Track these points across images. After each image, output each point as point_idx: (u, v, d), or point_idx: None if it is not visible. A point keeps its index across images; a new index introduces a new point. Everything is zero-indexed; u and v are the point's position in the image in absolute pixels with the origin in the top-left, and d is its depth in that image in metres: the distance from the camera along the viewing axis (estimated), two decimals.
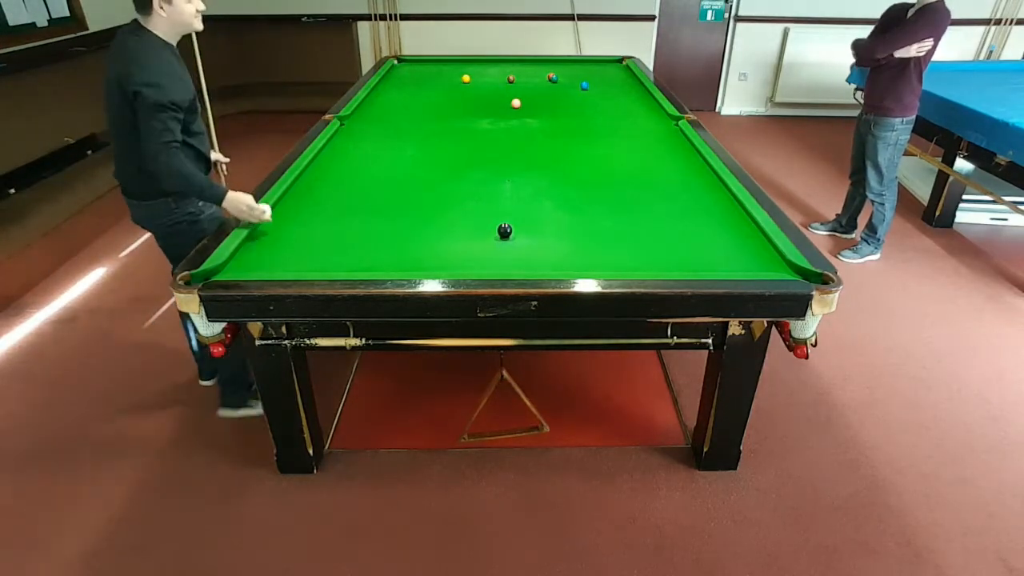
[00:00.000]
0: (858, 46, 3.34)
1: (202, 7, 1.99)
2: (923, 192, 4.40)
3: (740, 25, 6.21)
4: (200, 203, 2.09)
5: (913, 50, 3.15)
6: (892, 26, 3.24)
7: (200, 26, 2.02)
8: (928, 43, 3.14)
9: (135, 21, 1.96)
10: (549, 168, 2.60)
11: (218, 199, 1.98)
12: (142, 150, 1.88)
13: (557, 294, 1.69)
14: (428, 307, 1.72)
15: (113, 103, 1.93)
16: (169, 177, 1.91)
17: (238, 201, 1.98)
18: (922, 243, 3.91)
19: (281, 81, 6.02)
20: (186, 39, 2.18)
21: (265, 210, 2.01)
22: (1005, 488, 2.19)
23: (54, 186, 4.02)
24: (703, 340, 1.96)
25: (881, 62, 3.25)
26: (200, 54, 2.39)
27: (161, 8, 1.91)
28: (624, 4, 6.00)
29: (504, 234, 2.01)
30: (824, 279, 1.73)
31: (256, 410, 2.39)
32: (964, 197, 4.05)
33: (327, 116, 3.15)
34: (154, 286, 3.28)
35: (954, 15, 3.17)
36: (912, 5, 3.23)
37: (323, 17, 5.96)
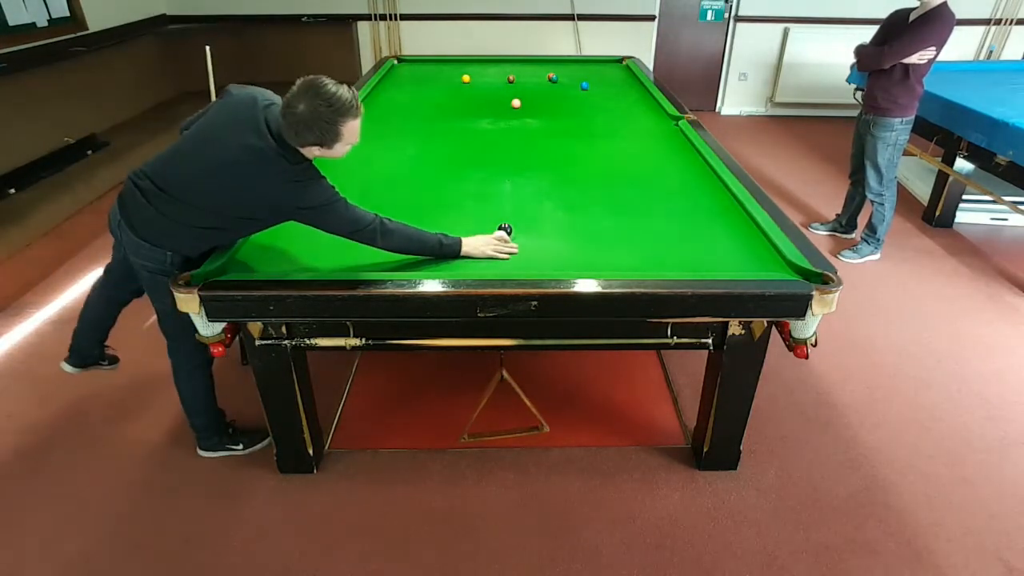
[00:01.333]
0: (863, 54, 3.32)
1: (356, 142, 1.79)
2: (923, 192, 4.40)
3: (740, 25, 6.22)
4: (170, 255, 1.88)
5: (914, 59, 3.14)
6: (894, 32, 3.22)
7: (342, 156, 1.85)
8: (930, 52, 3.13)
9: (294, 150, 1.72)
10: (549, 168, 2.60)
11: (456, 253, 1.87)
12: (356, 241, 1.79)
13: (557, 294, 1.69)
14: (428, 307, 1.72)
15: (229, 195, 1.73)
16: (398, 248, 1.84)
17: (482, 246, 1.88)
18: (922, 243, 3.91)
19: (281, 81, 5.98)
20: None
21: (508, 241, 1.93)
22: (1005, 488, 2.19)
23: (54, 186, 4.02)
24: (703, 340, 1.96)
25: (887, 71, 3.25)
26: (181, 54, 2.23)
27: (319, 149, 1.72)
28: (624, 4, 6.01)
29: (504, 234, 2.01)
30: (824, 279, 1.73)
31: (236, 452, 2.29)
32: (964, 197, 4.05)
33: None
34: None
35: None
36: (914, 9, 3.22)
37: (323, 17, 5.96)
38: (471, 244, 1.88)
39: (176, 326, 1.96)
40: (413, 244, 1.85)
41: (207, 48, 1.98)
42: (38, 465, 2.28)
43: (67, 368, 2.34)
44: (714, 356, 2.06)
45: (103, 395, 2.59)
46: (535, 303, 1.69)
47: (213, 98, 2.08)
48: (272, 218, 1.81)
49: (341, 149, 1.75)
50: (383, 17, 6.00)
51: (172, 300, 1.74)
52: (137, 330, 2.92)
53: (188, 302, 1.68)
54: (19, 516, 2.09)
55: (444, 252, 1.87)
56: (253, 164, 1.69)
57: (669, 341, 1.93)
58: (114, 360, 2.44)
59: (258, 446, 2.32)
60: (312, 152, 1.74)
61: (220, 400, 2.55)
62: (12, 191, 3.71)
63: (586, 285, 1.70)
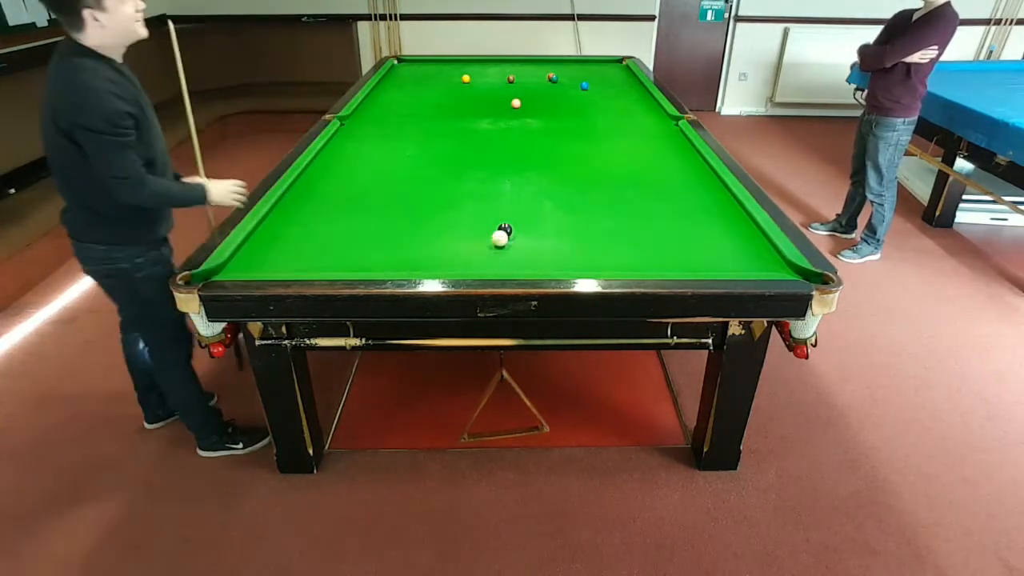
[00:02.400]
0: (866, 53, 3.32)
1: (142, 6, 1.70)
2: (923, 192, 4.40)
3: (740, 25, 6.22)
4: (138, 259, 1.90)
5: (916, 58, 3.14)
6: (898, 32, 3.22)
7: (144, 32, 1.74)
8: (932, 52, 3.13)
9: (68, 39, 1.67)
10: (549, 168, 2.59)
11: (201, 199, 1.90)
12: (107, 188, 1.71)
13: (557, 294, 1.69)
14: (428, 307, 1.72)
15: (50, 138, 1.71)
16: (147, 202, 1.80)
17: (223, 192, 1.95)
18: (922, 243, 3.91)
19: (281, 81, 6.01)
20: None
21: (241, 188, 2.00)
22: (1005, 488, 2.19)
23: (54, 186, 4.01)
24: (703, 340, 1.96)
25: (890, 71, 3.25)
26: (181, 54, 2.25)
27: (95, 18, 1.61)
28: (624, 4, 6.00)
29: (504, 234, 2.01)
30: (824, 279, 1.73)
31: (236, 451, 2.30)
32: (964, 197, 4.05)
33: (327, 116, 3.15)
34: None
35: None
36: (917, 9, 3.22)
37: (323, 17, 5.95)
38: (215, 191, 1.93)
39: (149, 326, 2.01)
40: (163, 199, 1.85)
41: (170, 22, 2.02)
42: (37, 465, 2.28)
43: (149, 427, 2.44)
44: (714, 356, 2.06)
45: (102, 395, 2.59)
46: (535, 303, 1.69)
47: (182, 77, 2.20)
48: (68, 143, 1.69)
49: (123, 11, 1.65)
50: (383, 17, 6.00)
51: (138, 299, 1.81)
52: None
53: (188, 302, 1.68)
54: (18, 516, 2.09)
55: (190, 202, 1.89)
56: (46, 87, 1.67)
57: (669, 341, 1.93)
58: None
59: (258, 445, 2.32)
60: (95, 35, 1.64)
61: (220, 400, 2.56)
62: (12, 191, 3.71)
63: (586, 285, 1.70)
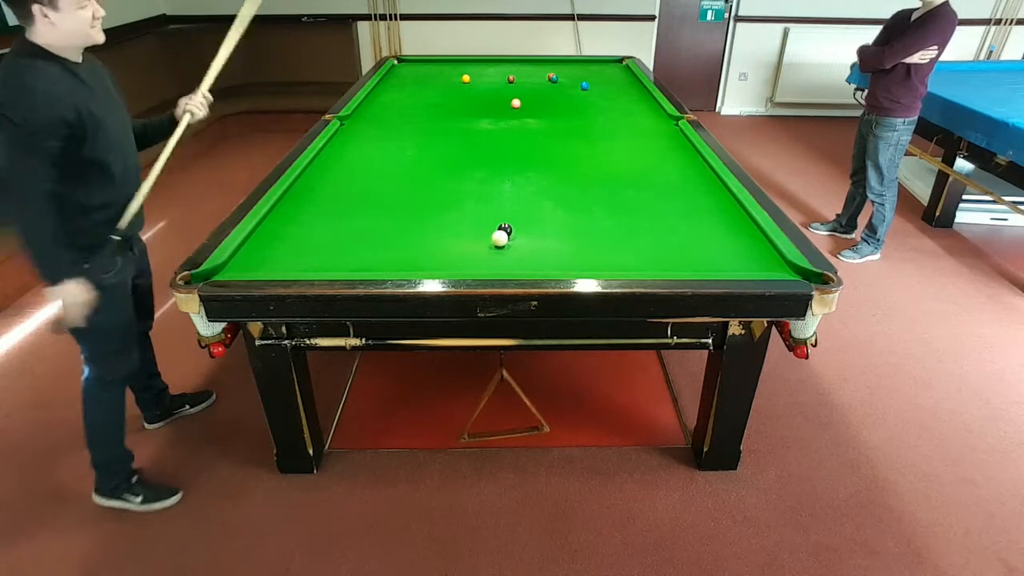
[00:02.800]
0: (865, 54, 3.32)
1: (101, 13, 1.61)
2: (923, 192, 4.40)
3: (740, 25, 6.21)
4: (84, 265, 1.73)
5: (916, 58, 3.14)
6: (897, 32, 3.22)
7: (101, 37, 1.64)
8: (932, 52, 3.13)
9: (22, 35, 1.58)
10: (549, 168, 2.59)
11: (53, 276, 1.63)
12: None
13: (557, 294, 1.69)
14: (428, 307, 1.72)
15: None
16: (11, 219, 1.58)
17: (73, 296, 1.67)
18: (922, 243, 3.91)
19: (281, 81, 6.01)
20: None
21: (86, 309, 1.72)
22: (1005, 488, 2.19)
23: None
24: (703, 340, 1.96)
25: (889, 71, 3.25)
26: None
27: (44, 14, 1.52)
28: (624, 4, 6.00)
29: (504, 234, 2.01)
30: (824, 279, 1.73)
31: (132, 504, 2.04)
32: (964, 197, 4.05)
33: (327, 116, 3.15)
34: (154, 285, 3.28)
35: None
36: (916, 9, 3.22)
37: (323, 17, 5.95)
38: (64, 290, 1.66)
39: (83, 336, 1.82)
40: (29, 234, 1.61)
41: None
42: (37, 465, 2.28)
43: (150, 427, 2.42)
44: (714, 356, 2.06)
45: None
46: (535, 303, 1.69)
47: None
48: None
49: (78, 15, 1.56)
50: (383, 17, 6.00)
51: (111, 310, 1.74)
52: None
53: (188, 302, 1.68)
54: (18, 516, 2.09)
55: (46, 267, 1.66)
56: None
57: (669, 341, 1.93)
58: (200, 398, 2.50)
59: (158, 504, 2.07)
60: (46, 33, 1.55)
61: (220, 400, 2.57)
62: None
63: (586, 285, 1.70)
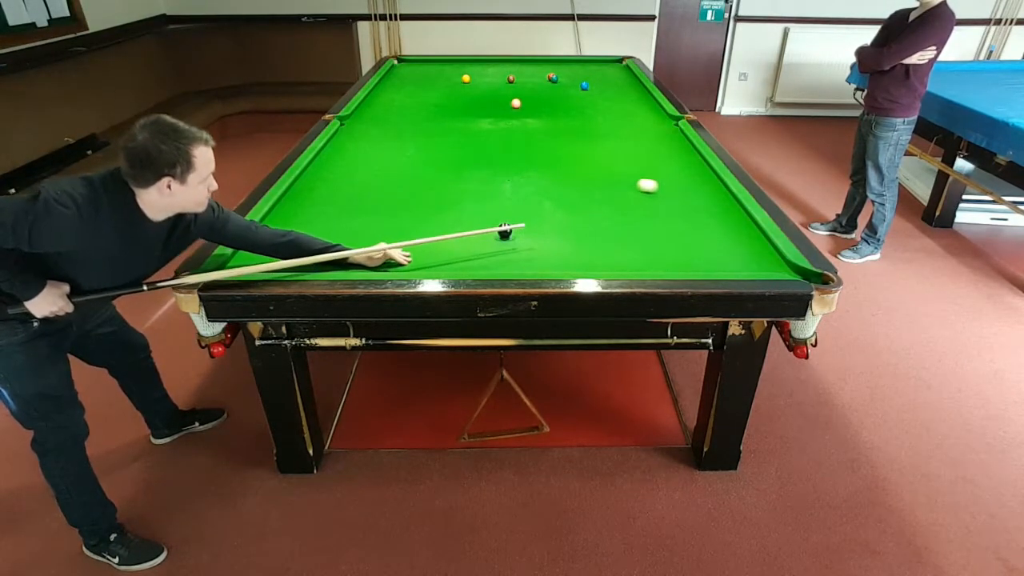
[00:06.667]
0: (864, 55, 3.31)
1: (215, 187, 1.61)
2: (923, 192, 4.40)
3: (740, 25, 6.21)
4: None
5: (914, 59, 3.14)
6: (895, 32, 3.22)
7: (202, 209, 1.63)
8: (930, 52, 3.13)
9: (120, 175, 1.51)
10: (549, 168, 2.60)
11: (23, 294, 1.52)
12: None
13: (557, 294, 1.69)
14: (428, 307, 1.72)
15: None
16: None
17: (52, 301, 1.56)
18: (922, 243, 3.91)
19: (281, 81, 6.01)
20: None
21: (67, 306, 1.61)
22: (1005, 488, 2.19)
23: None
24: (703, 340, 1.96)
25: (888, 72, 3.25)
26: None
27: (168, 187, 1.50)
28: (624, 4, 6.00)
29: (504, 234, 2.01)
30: (824, 279, 1.73)
31: (112, 563, 1.91)
32: (964, 197, 4.05)
33: (327, 116, 3.15)
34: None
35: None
36: (913, 9, 3.22)
37: (323, 17, 5.95)
38: (44, 297, 1.55)
39: (39, 408, 1.72)
40: None
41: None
42: (35, 466, 2.28)
43: (156, 442, 2.38)
44: (714, 356, 2.06)
45: (101, 395, 2.58)
46: (535, 303, 1.69)
47: None
48: None
49: (198, 191, 1.55)
50: (383, 17, 6.00)
51: (24, 378, 1.64)
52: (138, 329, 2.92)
53: (188, 302, 1.68)
54: (18, 516, 2.09)
55: (13, 290, 1.53)
56: None
57: (669, 341, 1.93)
58: (211, 416, 2.46)
59: (137, 567, 1.91)
60: (151, 192, 1.50)
61: (220, 400, 2.56)
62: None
63: (586, 285, 1.70)
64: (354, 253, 1.82)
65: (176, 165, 1.48)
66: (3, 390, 1.71)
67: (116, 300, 2.03)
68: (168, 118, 1.51)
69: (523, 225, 2.01)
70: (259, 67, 5.98)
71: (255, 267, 1.77)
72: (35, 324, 1.63)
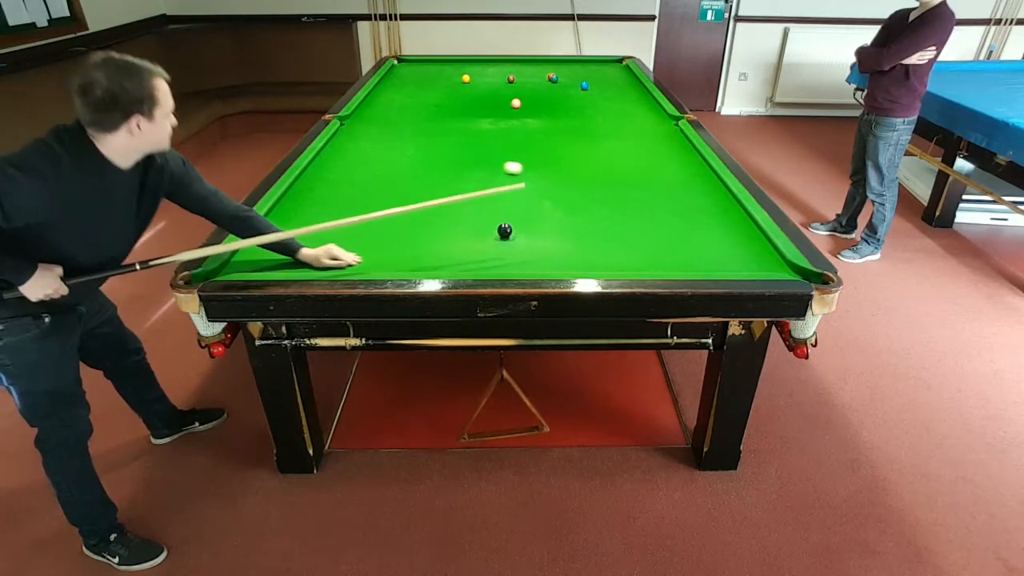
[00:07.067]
0: (864, 55, 3.31)
1: (175, 122, 1.57)
2: (923, 192, 4.40)
3: (740, 25, 6.21)
4: (0, 327, 1.59)
5: (914, 59, 3.14)
6: (894, 33, 3.22)
7: (167, 146, 1.59)
8: (930, 52, 3.13)
9: (76, 127, 1.47)
10: (549, 168, 2.60)
11: (18, 277, 1.49)
12: None
13: (557, 294, 1.69)
14: (428, 307, 1.72)
15: None
16: None
17: (39, 288, 1.52)
18: (922, 243, 3.91)
19: (281, 81, 6.01)
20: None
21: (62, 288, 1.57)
22: (1005, 488, 2.19)
23: None
24: (703, 340, 1.96)
25: (888, 72, 3.25)
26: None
27: (138, 126, 1.46)
28: (624, 4, 6.00)
29: (504, 234, 2.01)
30: (824, 279, 1.73)
31: (112, 563, 1.90)
32: (964, 197, 4.05)
33: (327, 116, 3.15)
34: (154, 286, 3.28)
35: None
36: (913, 9, 3.22)
37: (323, 17, 5.95)
38: (37, 280, 1.51)
39: (47, 405, 1.73)
40: None
41: None
42: (37, 466, 2.27)
43: (156, 442, 2.37)
44: (714, 356, 2.06)
45: (101, 395, 2.58)
46: (535, 303, 1.69)
47: None
48: None
49: (164, 125, 1.52)
50: (383, 17, 6.00)
51: (36, 374, 1.65)
52: (138, 329, 2.92)
53: (188, 302, 1.68)
54: (18, 515, 2.09)
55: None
56: None
57: (669, 341, 1.93)
58: (211, 416, 2.45)
59: (137, 566, 1.91)
60: (118, 143, 1.47)
61: (220, 400, 2.56)
62: None
63: (586, 285, 1.70)
64: (305, 253, 1.82)
65: (143, 101, 1.44)
66: (12, 387, 1.71)
67: (117, 300, 2.04)
68: (116, 54, 1.46)
69: (523, 186, 2.02)
70: (259, 67, 5.98)
71: (247, 240, 1.77)
72: (46, 320, 1.63)
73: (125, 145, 1.50)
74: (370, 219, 1.83)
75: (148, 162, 1.61)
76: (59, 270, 1.56)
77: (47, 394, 1.72)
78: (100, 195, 1.53)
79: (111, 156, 1.50)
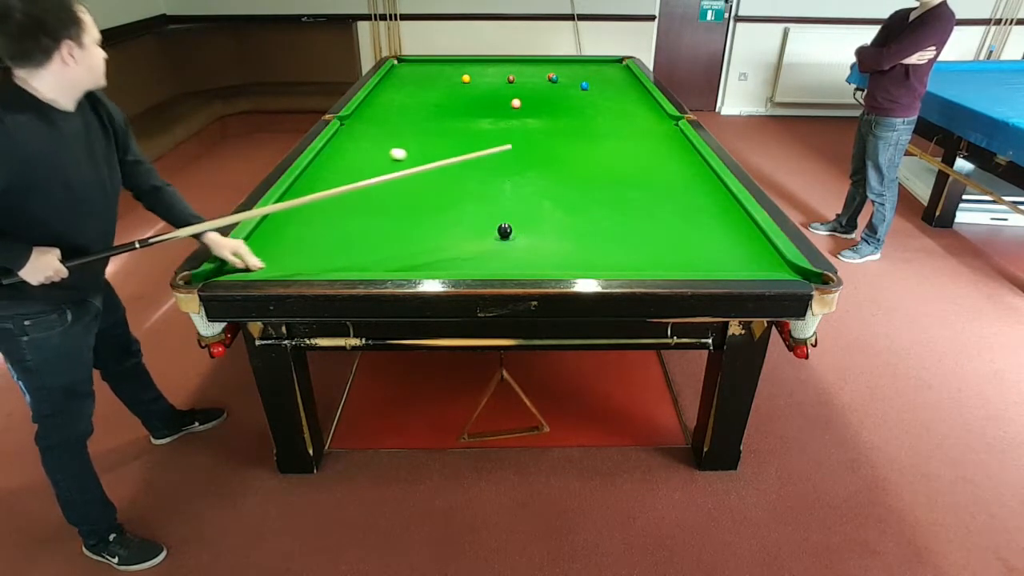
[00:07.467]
0: (863, 55, 3.32)
1: (105, 55, 1.52)
2: (923, 192, 4.40)
3: (740, 25, 6.21)
4: (26, 321, 1.59)
5: (914, 59, 3.14)
6: (894, 32, 3.22)
7: (104, 81, 1.53)
8: (930, 52, 3.13)
9: (5, 73, 1.42)
10: (549, 168, 2.60)
11: (16, 263, 1.47)
12: None
13: (557, 294, 1.69)
14: (428, 307, 1.72)
15: None
16: None
17: (42, 268, 1.50)
18: (922, 243, 3.91)
19: (281, 81, 6.01)
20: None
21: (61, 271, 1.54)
22: (1005, 488, 2.19)
23: None
24: (703, 340, 1.96)
25: (887, 72, 3.25)
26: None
27: (71, 55, 1.40)
28: (624, 4, 6.00)
29: (504, 234, 2.01)
30: (824, 279, 1.73)
31: (112, 563, 1.90)
32: (964, 197, 4.05)
33: (327, 116, 3.15)
34: (154, 286, 3.28)
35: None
36: (913, 9, 3.22)
37: (323, 17, 5.95)
38: (34, 264, 1.49)
39: (58, 400, 1.73)
40: None
41: None
42: (37, 465, 2.27)
43: (156, 442, 2.37)
44: (714, 356, 2.06)
45: (100, 395, 2.58)
46: (535, 303, 1.69)
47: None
48: None
49: (97, 53, 1.47)
50: (383, 17, 6.00)
51: (20, 365, 1.64)
52: (138, 329, 2.92)
53: (188, 302, 1.68)
54: (18, 515, 2.09)
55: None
56: None
57: (669, 341, 1.93)
58: (210, 415, 2.45)
59: (136, 566, 1.91)
60: (51, 77, 1.41)
61: (220, 400, 2.56)
62: None
63: (586, 285, 1.70)
64: (211, 237, 1.78)
65: (69, 26, 1.38)
66: (25, 382, 1.71)
67: (121, 300, 2.04)
68: None
69: (509, 147, 2.06)
70: (259, 67, 5.98)
71: (249, 212, 1.81)
72: (69, 315, 1.65)
73: (61, 79, 1.43)
74: (344, 191, 1.86)
75: (92, 101, 1.59)
76: (56, 252, 1.53)
77: (61, 389, 1.73)
78: (55, 144, 1.46)
79: (50, 95, 1.44)
